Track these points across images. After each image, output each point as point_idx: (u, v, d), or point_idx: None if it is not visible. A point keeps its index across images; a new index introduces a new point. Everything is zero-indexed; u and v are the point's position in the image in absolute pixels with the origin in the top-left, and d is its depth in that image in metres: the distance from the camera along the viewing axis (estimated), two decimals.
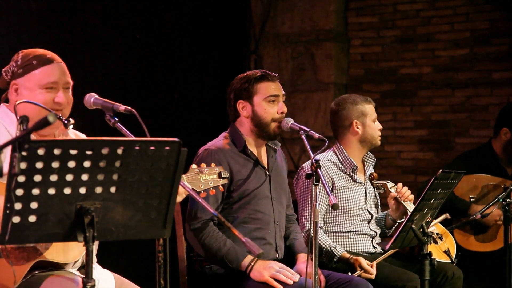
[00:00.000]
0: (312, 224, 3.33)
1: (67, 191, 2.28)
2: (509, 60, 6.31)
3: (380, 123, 4.36)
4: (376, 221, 4.33)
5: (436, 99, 6.59)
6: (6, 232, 2.24)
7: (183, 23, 6.19)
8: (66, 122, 2.88)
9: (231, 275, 3.66)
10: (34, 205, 2.25)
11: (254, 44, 7.07)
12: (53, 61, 3.01)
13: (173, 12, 6.10)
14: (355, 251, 4.19)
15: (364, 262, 3.94)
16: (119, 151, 2.31)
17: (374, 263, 3.97)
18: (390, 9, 6.77)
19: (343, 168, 4.24)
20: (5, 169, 2.15)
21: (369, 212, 4.28)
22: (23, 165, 2.18)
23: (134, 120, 2.85)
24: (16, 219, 2.24)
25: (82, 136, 3.20)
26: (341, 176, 4.23)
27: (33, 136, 2.19)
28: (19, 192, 2.22)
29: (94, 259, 2.98)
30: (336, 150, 4.29)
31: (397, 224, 4.25)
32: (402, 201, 4.13)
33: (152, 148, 2.37)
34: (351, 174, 4.25)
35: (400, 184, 4.21)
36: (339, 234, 4.20)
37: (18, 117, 2.57)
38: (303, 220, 4.10)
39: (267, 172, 3.86)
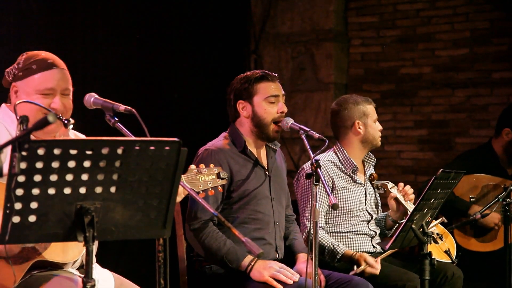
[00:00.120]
0: (312, 224, 3.33)
1: (67, 191, 2.29)
2: (509, 60, 6.30)
3: (380, 123, 4.36)
4: (376, 222, 4.33)
5: (436, 99, 6.58)
6: (6, 232, 2.24)
7: (183, 23, 6.19)
8: (66, 122, 2.89)
9: (231, 275, 3.66)
10: (34, 205, 2.26)
11: (254, 44, 7.07)
12: (53, 66, 2.99)
13: (173, 12, 6.09)
14: (355, 250, 4.18)
15: (369, 257, 3.94)
16: (119, 151, 2.31)
17: (379, 258, 3.97)
18: (390, 9, 6.76)
19: (343, 168, 4.24)
20: (5, 169, 2.15)
21: (369, 213, 4.28)
22: (23, 165, 2.18)
23: (134, 120, 2.85)
24: (16, 219, 2.24)
25: (82, 137, 3.20)
26: (341, 177, 4.23)
27: (33, 137, 2.19)
28: (19, 192, 2.22)
29: (94, 259, 2.97)
30: (336, 150, 4.29)
31: (397, 225, 4.25)
32: (402, 202, 4.13)
33: (152, 148, 2.37)
34: (351, 174, 4.24)
35: (401, 184, 4.20)
36: (339, 235, 4.20)
37: (18, 117, 2.57)
38: (305, 220, 4.09)
39: (267, 173, 3.86)
